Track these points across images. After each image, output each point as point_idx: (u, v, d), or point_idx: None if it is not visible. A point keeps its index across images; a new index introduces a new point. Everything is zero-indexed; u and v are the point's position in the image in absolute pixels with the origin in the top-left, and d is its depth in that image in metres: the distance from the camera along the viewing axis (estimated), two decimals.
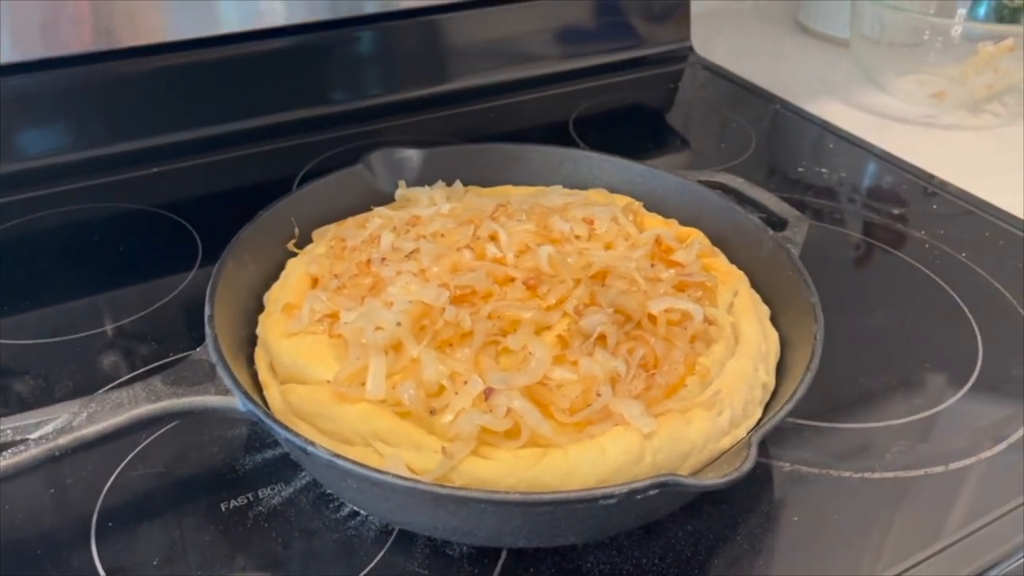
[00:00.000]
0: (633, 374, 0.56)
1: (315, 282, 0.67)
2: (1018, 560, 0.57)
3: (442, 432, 0.53)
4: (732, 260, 0.72)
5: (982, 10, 1.27)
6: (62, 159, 0.97)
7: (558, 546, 0.56)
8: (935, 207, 0.98)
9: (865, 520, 0.59)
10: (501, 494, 0.48)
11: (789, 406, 0.54)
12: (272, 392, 0.59)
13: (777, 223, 0.75)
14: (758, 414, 0.59)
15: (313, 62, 1.08)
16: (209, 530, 0.56)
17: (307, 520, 0.57)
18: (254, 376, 0.62)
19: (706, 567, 0.55)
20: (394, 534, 0.56)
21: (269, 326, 0.63)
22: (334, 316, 0.61)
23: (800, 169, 1.07)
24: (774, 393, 0.61)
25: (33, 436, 0.50)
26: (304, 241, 0.74)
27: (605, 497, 0.47)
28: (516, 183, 0.83)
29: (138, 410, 0.52)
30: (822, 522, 0.59)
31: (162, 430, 0.63)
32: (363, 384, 0.55)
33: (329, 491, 0.59)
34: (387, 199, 0.80)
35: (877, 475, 0.62)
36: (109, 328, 0.75)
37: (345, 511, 0.58)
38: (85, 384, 0.68)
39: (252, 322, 0.66)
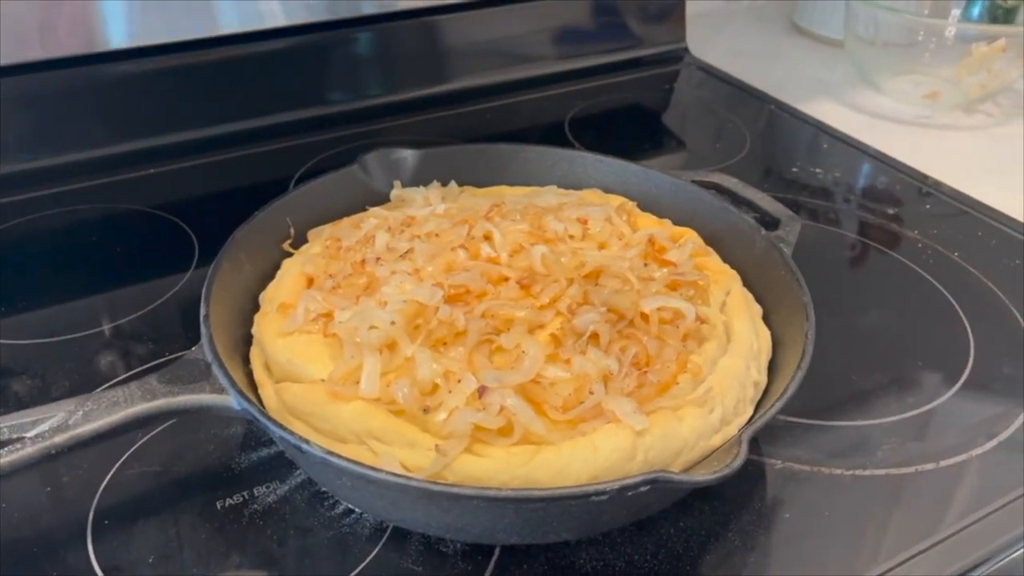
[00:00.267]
0: (625, 372, 0.57)
1: (310, 282, 0.67)
2: (1007, 557, 0.58)
3: (436, 430, 0.53)
4: (725, 259, 0.73)
5: (976, 11, 1.28)
6: (59, 160, 0.97)
7: (551, 543, 0.56)
8: (929, 207, 0.99)
9: (856, 517, 0.59)
10: (494, 491, 0.48)
11: (780, 404, 0.54)
12: (267, 391, 0.60)
13: (770, 223, 0.75)
14: (750, 412, 0.59)
15: (309, 63, 1.09)
16: (205, 528, 0.57)
17: (302, 518, 0.58)
18: (249, 375, 0.62)
19: (698, 563, 0.56)
20: (388, 531, 0.57)
21: (264, 325, 0.63)
22: (329, 315, 0.61)
23: (795, 169, 1.07)
24: (766, 391, 0.62)
25: (30, 434, 0.51)
26: (300, 241, 0.74)
27: (597, 494, 0.47)
28: (511, 183, 0.83)
29: (134, 408, 0.53)
30: (814, 519, 0.59)
31: (158, 428, 0.64)
32: (357, 383, 0.55)
33: (324, 489, 0.60)
34: (383, 199, 0.80)
35: (868, 472, 0.63)
36: (106, 328, 0.76)
37: (340, 509, 0.58)
38: (82, 383, 0.69)
39: (248, 321, 0.66)
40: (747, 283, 0.71)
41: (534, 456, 0.52)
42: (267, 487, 0.60)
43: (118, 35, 0.96)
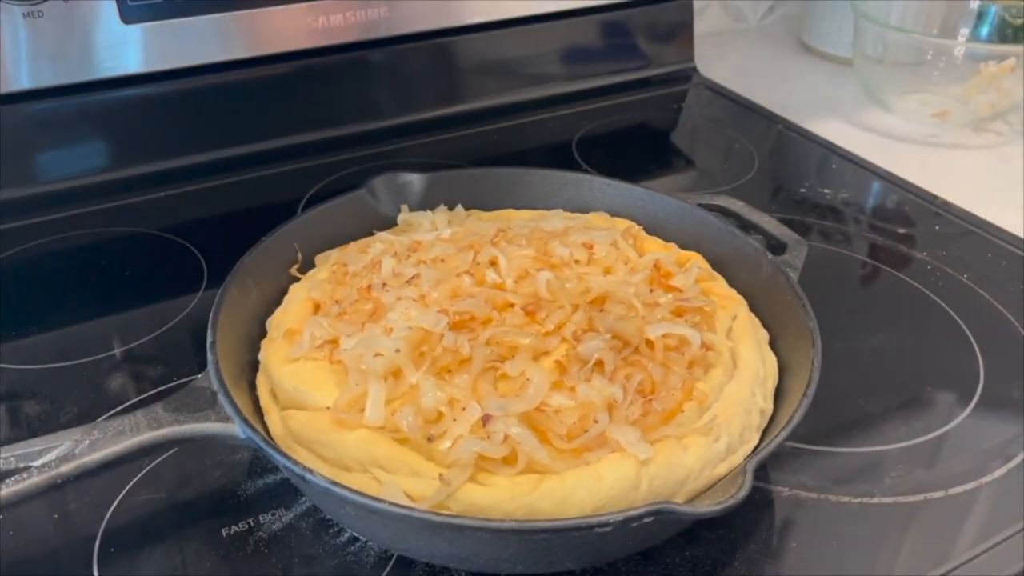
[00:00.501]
0: (630, 400, 0.57)
1: (317, 307, 0.67)
2: None
3: (440, 459, 0.53)
4: (731, 284, 0.72)
5: (984, 30, 1.27)
6: (70, 184, 0.98)
7: (555, 572, 0.56)
8: (938, 227, 0.98)
9: (864, 546, 0.59)
10: (496, 522, 0.48)
11: (785, 433, 0.54)
12: (273, 418, 0.60)
13: (777, 246, 0.75)
14: (755, 440, 0.59)
15: (317, 86, 1.09)
16: (210, 556, 0.57)
17: (307, 546, 0.58)
18: (256, 401, 0.63)
19: None
20: (393, 560, 0.57)
21: (271, 352, 0.63)
22: (335, 342, 0.62)
23: (803, 189, 1.07)
24: (772, 418, 0.61)
25: (36, 464, 0.51)
26: (307, 266, 0.75)
27: (600, 525, 0.47)
28: (518, 207, 0.84)
29: (140, 437, 0.53)
30: (821, 548, 0.59)
31: (165, 455, 0.64)
32: (362, 410, 0.55)
33: (329, 516, 0.60)
34: (390, 223, 0.81)
35: (876, 500, 0.62)
36: (117, 352, 0.76)
37: (345, 536, 0.58)
38: (94, 407, 0.69)
39: (255, 347, 0.66)
40: (753, 307, 0.71)
41: (538, 485, 0.52)
42: (273, 514, 0.60)
43: (132, 60, 0.97)
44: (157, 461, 0.64)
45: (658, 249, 0.75)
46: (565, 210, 0.82)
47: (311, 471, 0.50)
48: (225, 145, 1.06)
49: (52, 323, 0.80)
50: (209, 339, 0.60)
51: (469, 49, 1.18)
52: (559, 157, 1.12)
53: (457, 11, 1.14)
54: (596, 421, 0.55)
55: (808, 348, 0.62)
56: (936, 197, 1.04)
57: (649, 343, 0.60)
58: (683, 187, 1.09)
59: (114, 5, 0.93)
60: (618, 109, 1.27)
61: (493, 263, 0.67)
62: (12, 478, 0.50)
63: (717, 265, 0.74)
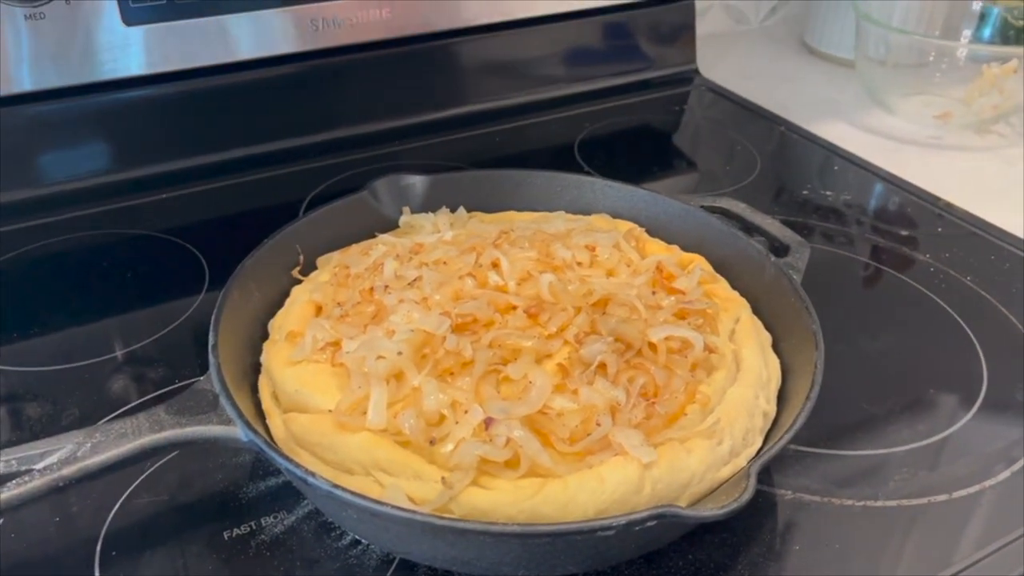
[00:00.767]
0: (633, 403, 0.56)
1: (319, 310, 0.67)
2: None
3: (442, 462, 0.53)
4: (734, 286, 0.72)
5: (987, 31, 1.27)
6: (72, 186, 0.98)
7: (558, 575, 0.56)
8: (940, 229, 0.98)
9: (868, 550, 0.59)
10: (499, 526, 0.48)
11: (788, 436, 0.54)
12: (275, 421, 0.60)
13: (779, 248, 0.75)
14: (759, 443, 0.59)
15: (318, 88, 1.09)
16: (212, 559, 0.57)
17: (309, 549, 0.58)
18: (258, 404, 0.63)
19: None
20: (395, 563, 0.57)
21: (272, 354, 0.63)
22: (337, 344, 0.61)
23: (805, 191, 1.07)
24: (775, 421, 0.61)
25: (38, 466, 0.51)
26: (309, 268, 0.74)
27: (603, 529, 0.47)
28: (520, 209, 0.84)
29: (141, 440, 0.53)
30: (824, 552, 0.59)
31: (167, 457, 0.64)
32: (364, 413, 0.55)
33: (331, 520, 0.59)
34: (392, 225, 0.80)
35: (880, 503, 0.62)
36: (119, 354, 0.76)
37: (347, 540, 0.58)
38: (96, 409, 0.69)
39: (257, 350, 0.66)
40: (756, 310, 0.70)
41: (540, 489, 0.51)
42: (274, 517, 0.60)
43: (134, 62, 0.97)
44: (159, 464, 0.64)
45: (661, 251, 0.75)
46: (567, 212, 0.82)
47: (313, 474, 0.50)
48: (227, 147, 1.06)
49: (54, 325, 0.80)
50: (211, 341, 0.60)
51: (471, 51, 1.18)
52: (561, 159, 1.12)
53: (459, 13, 1.14)
54: (599, 424, 0.54)
55: (811, 351, 0.61)
56: (938, 199, 1.04)
57: (652, 346, 0.60)
58: (685, 189, 1.09)
59: (116, 7, 0.93)
60: (620, 111, 1.26)
61: (495, 265, 0.67)
62: (14, 481, 0.50)
63: (720, 267, 0.74)
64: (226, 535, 0.58)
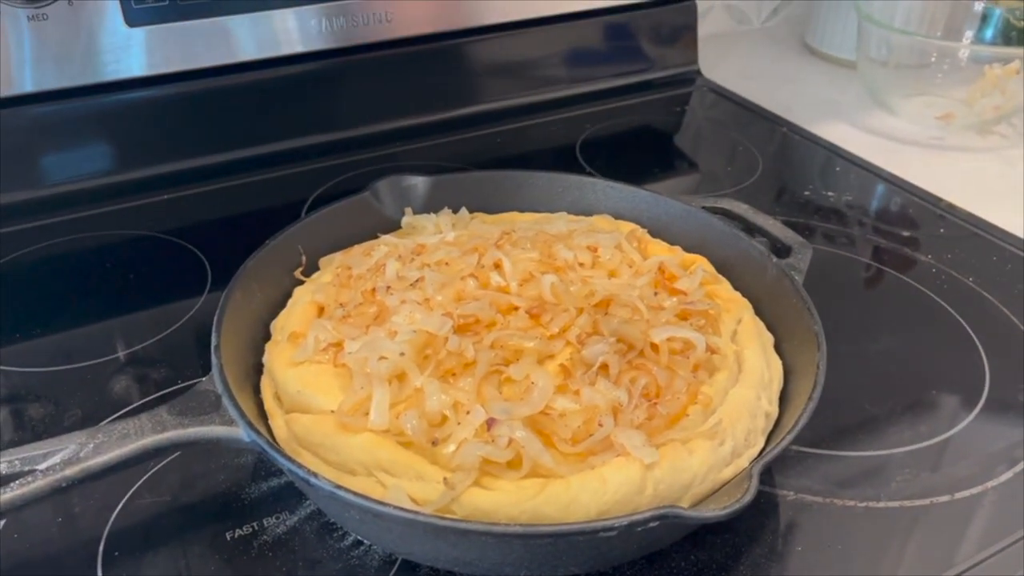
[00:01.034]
0: (635, 404, 0.56)
1: (321, 311, 0.67)
2: None
3: (444, 462, 0.53)
4: (736, 287, 0.72)
5: (989, 32, 1.27)
6: (74, 187, 0.98)
7: None
8: (942, 230, 0.98)
9: (870, 551, 0.59)
10: (501, 526, 0.48)
11: (790, 437, 0.54)
12: (277, 421, 0.60)
13: (781, 249, 0.75)
14: (761, 443, 0.59)
15: (320, 89, 1.09)
16: (214, 559, 0.57)
17: (311, 550, 0.58)
18: (261, 405, 0.63)
19: None
20: (397, 564, 0.57)
21: (275, 355, 0.63)
22: (339, 345, 0.62)
23: (807, 192, 1.07)
24: (777, 422, 0.61)
25: (41, 467, 0.51)
26: (311, 269, 0.75)
27: (605, 529, 0.47)
28: (522, 209, 0.84)
29: (144, 441, 0.53)
30: (827, 553, 0.59)
31: (170, 458, 0.64)
32: (367, 414, 0.55)
33: (333, 520, 0.60)
34: (394, 226, 0.81)
35: (882, 504, 0.62)
36: (121, 354, 0.76)
37: (349, 540, 0.58)
38: (99, 410, 0.69)
39: (259, 350, 0.66)
40: (758, 311, 0.70)
41: (542, 489, 0.52)
42: (277, 518, 0.60)
43: (136, 63, 0.97)
44: (161, 464, 0.64)
45: (662, 252, 0.75)
46: (569, 213, 0.82)
47: (315, 474, 0.50)
48: (229, 148, 1.06)
49: (56, 326, 0.80)
50: (213, 342, 0.60)
51: (473, 52, 1.18)
52: (563, 160, 1.12)
53: (460, 14, 1.14)
54: (601, 425, 0.54)
55: (813, 351, 0.61)
56: (940, 200, 1.04)
57: (654, 346, 0.60)
58: (687, 190, 1.09)
59: (118, 8, 0.93)
60: (622, 112, 1.26)
61: (497, 266, 0.67)
62: (16, 481, 0.50)
63: (722, 268, 0.74)
64: (228, 536, 0.59)
